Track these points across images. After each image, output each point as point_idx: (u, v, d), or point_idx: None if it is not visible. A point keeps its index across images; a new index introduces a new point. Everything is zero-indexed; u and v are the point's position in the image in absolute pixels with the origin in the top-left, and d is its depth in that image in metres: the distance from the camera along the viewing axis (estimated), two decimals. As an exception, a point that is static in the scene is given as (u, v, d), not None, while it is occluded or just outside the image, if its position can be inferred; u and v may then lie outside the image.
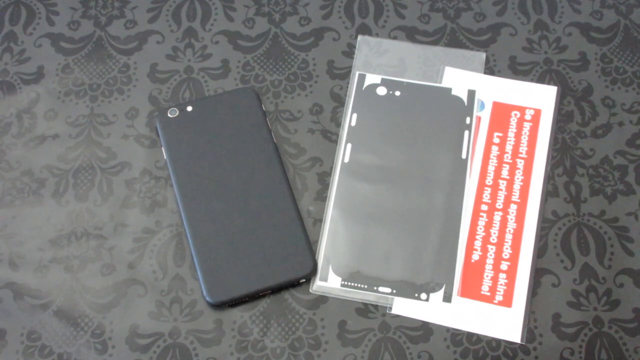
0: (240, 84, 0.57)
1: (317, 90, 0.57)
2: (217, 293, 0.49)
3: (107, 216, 0.53)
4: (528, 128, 0.55)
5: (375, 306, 0.50)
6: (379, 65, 0.57)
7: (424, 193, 0.53)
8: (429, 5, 0.60)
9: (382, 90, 0.56)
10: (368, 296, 0.50)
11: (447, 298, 0.50)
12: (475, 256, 0.51)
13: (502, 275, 0.51)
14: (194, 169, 0.52)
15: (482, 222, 0.52)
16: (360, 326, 0.50)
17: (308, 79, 0.57)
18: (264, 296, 0.50)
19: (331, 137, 0.55)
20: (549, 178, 0.54)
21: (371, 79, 0.57)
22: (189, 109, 0.54)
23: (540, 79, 0.57)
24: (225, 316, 0.50)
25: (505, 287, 0.50)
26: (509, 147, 0.55)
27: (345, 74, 0.57)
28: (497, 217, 0.52)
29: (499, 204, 0.53)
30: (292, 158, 0.55)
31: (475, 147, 0.55)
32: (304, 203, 0.53)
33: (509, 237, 0.52)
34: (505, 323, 0.49)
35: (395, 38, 0.59)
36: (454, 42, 0.58)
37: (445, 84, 0.56)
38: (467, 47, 0.58)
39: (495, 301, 0.50)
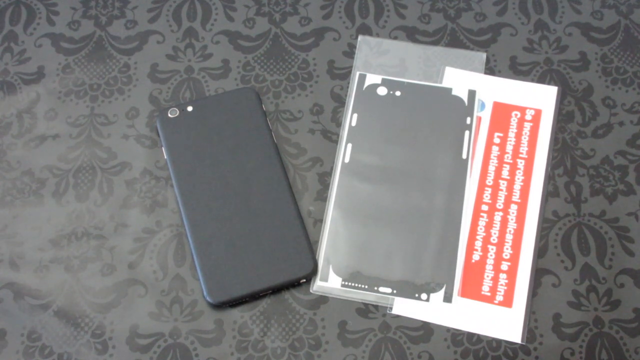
0: (240, 84, 0.57)
1: (318, 91, 0.57)
2: (218, 293, 0.49)
3: (108, 216, 0.53)
4: (528, 128, 0.55)
5: (376, 306, 0.50)
6: (379, 66, 0.57)
7: (425, 193, 0.53)
8: (430, 6, 0.60)
9: (382, 91, 0.56)
10: (368, 296, 0.50)
11: (448, 298, 0.50)
12: (476, 256, 0.51)
13: (503, 276, 0.51)
14: (194, 169, 0.52)
15: (482, 222, 0.52)
16: (361, 326, 0.50)
17: (308, 79, 0.57)
18: (264, 296, 0.50)
19: (331, 137, 0.55)
20: (549, 178, 0.54)
21: (372, 79, 0.57)
22: (190, 109, 0.54)
23: (541, 79, 0.57)
24: (226, 316, 0.50)
25: (505, 287, 0.50)
26: (509, 147, 0.55)
27: (346, 74, 0.57)
28: (498, 217, 0.52)
29: (500, 204, 0.53)
30: (292, 158, 0.55)
31: (476, 147, 0.55)
32: (305, 203, 0.53)
33: (509, 237, 0.52)
34: (506, 323, 0.49)
35: (395, 38, 0.59)
36: (455, 42, 0.58)
37: (445, 84, 0.56)
38: (467, 47, 0.58)
39: (496, 301, 0.50)
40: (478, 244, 0.52)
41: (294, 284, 0.50)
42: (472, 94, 0.56)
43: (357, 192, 0.53)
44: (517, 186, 0.53)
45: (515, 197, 0.53)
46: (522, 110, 0.56)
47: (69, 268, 0.51)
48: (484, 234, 0.52)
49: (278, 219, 0.51)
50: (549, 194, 0.53)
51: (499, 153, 0.54)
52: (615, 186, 0.53)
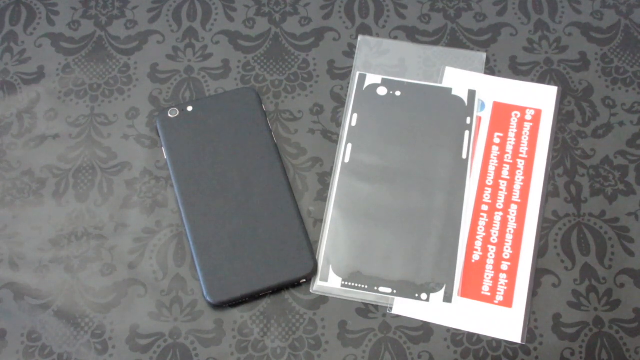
0: (240, 84, 0.57)
1: (318, 91, 0.57)
2: (218, 293, 0.49)
3: (108, 216, 0.53)
4: (528, 128, 0.55)
5: (376, 306, 0.50)
6: (379, 66, 0.57)
7: (425, 193, 0.53)
8: (430, 6, 0.60)
9: (382, 91, 0.56)
10: (368, 296, 0.50)
11: (448, 298, 0.50)
12: (476, 256, 0.51)
13: (503, 276, 0.51)
14: (194, 169, 0.52)
15: (482, 222, 0.52)
16: (361, 326, 0.50)
17: (308, 79, 0.57)
18: (264, 296, 0.50)
19: (332, 137, 0.55)
20: (549, 178, 0.54)
21: (372, 79, 0.57)
22: (190, 109, 0.54)
23: (541, 79, 0.57)
24: (226, 316, 0.50)
25: (505, 287, 0.50)
26: (509, 147, 0.55)
27: (346, 74, 0.57)
28: (498, 217, 0.52)
29: (500, 204, 0.53)
30: (292, 158, 0.55)
31: (476, 147, 0.55)
32: (305, 203, 0.53)
33: (509, 237, 0.52)
34: (506, 323, 0.49)
35: (395, 38, 0.59)
36: (455, 42, 0.58)
37: (445, 84, 0.56)
38: (467, 47, 0.58)
39: (496, 301, 0.50)
40: (478, 244, 0.52)
41: (294, 284, 0.50)
42: (472, 94, 0.56)
43: (357, 192, 0.53)
44: (517, 186, 0.53)
45: (515, 197, 0.53)
46: (522, 110, 0.56)
47: (69, 268, 0.51)
48: (484, 234, 0.52)
49: (278, 219, 0.51)
50: (549, 194, 0.53)
51: (499, 153, 0.54)
52: (615, 186, 0.53)
